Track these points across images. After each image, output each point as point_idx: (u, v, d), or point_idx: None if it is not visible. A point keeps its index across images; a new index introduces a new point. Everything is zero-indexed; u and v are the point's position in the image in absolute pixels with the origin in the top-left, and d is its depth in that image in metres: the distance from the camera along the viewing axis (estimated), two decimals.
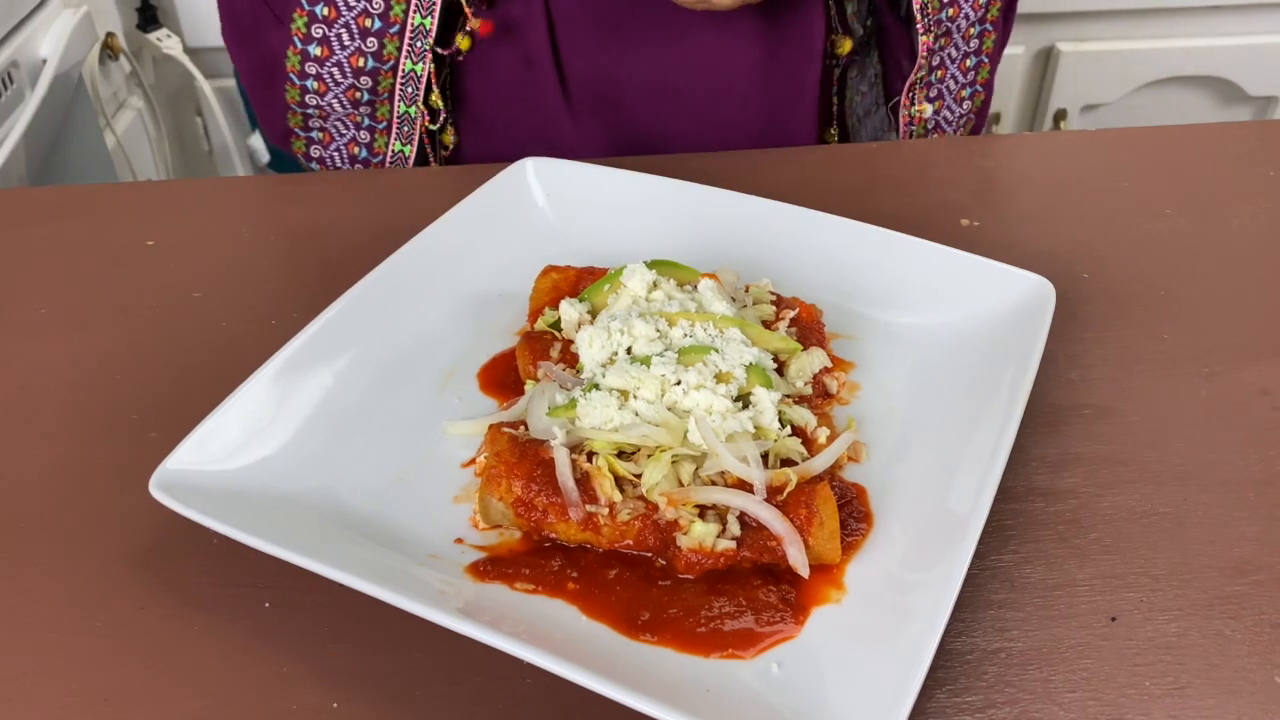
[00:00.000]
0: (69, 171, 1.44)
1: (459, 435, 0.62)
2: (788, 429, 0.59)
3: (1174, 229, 0.81)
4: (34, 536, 0.58)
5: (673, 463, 0.55)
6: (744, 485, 0.55)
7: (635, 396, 0.57)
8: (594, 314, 0.65)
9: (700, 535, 0.52)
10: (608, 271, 0.68)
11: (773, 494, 0.54)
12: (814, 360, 0.63)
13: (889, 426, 0.62)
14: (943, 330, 0.68)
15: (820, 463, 0.57)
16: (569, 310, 0.64)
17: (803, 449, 0.58)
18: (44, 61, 1.32)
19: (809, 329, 0.66)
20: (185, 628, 0.53)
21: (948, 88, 0.96)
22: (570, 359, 0.63)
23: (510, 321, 0.71)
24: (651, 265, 0.66)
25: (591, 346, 0.61)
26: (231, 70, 1.05)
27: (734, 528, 0.53)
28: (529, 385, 0.62)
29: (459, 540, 0.56)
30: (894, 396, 0.64)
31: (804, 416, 0.59)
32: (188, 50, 1.74)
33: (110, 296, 0.76)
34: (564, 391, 0.59)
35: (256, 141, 1.77)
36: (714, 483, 0.55)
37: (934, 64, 0.94)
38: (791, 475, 0.55)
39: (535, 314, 0.68)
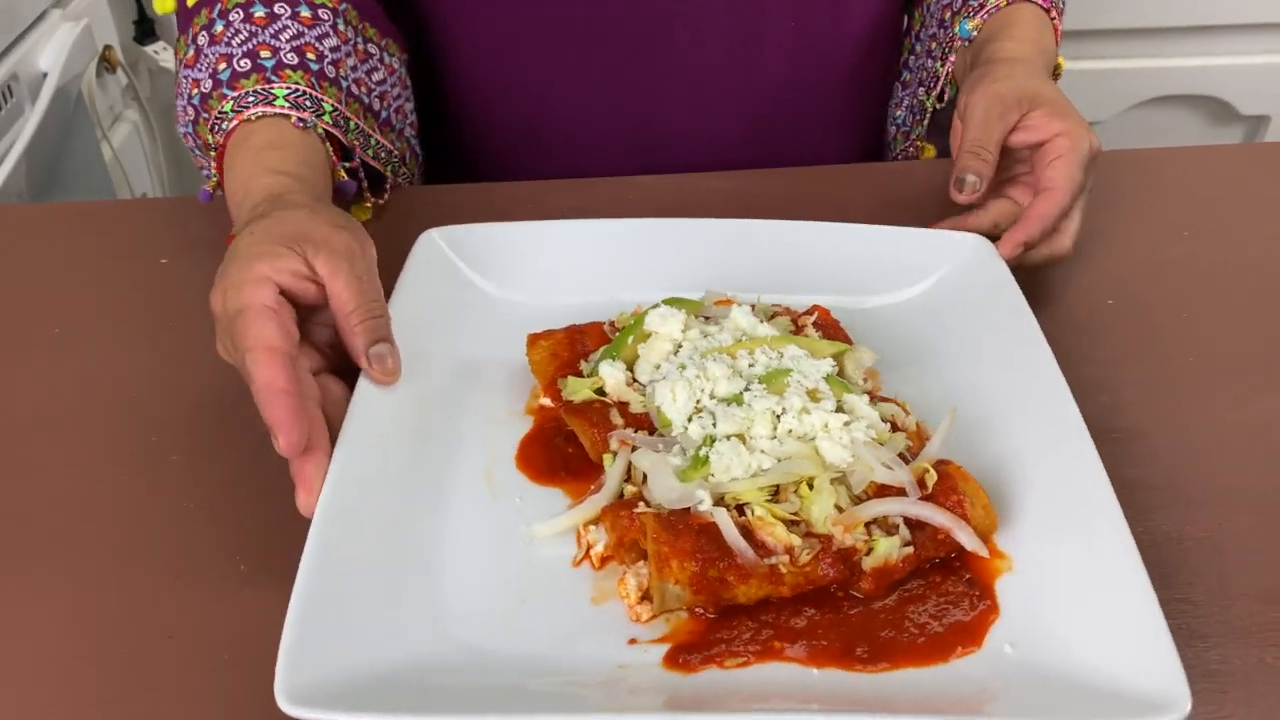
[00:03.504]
0: (67, 184, 1.42)
1: (552, 535, 0.57)
2: (887, 426, 0.59)
3: (1194, 252, 0.81)
4: (58, 563, 0.57)
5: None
6: (886, 491, 0.55)
7: (750, 436, 0.56)
8: (628, 367, 0.63)
9: (886, 551, 0.52)
10: (598, 324, 0.66)
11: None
12: (864, 356, 0.64)
13: (925, 403, 0.63)
14: (916, 305, 0.72)
15: (937, 446, 0.57)
16: (612, 372, 0.61)
17: (907, 440, 0.58)
18: (44, 75, 1.30)
19: (832, 329, 0.67)
20: (212, 655, 0.52)
21: None
22: (635, 421, 0.60)
23: (508, 401, 0.65)
24: (671, 303, 0.64)
25: (676, 401, 0.58)
26: None
27: (905, 533, 0.53)
28: (607, 460, 0.59)
29: (633, 641, 0.52)
30: (910, 376, 0.66)
31: (890, 409, 0.60)
32: None
33: (125, 315, 0.75)
34: (656, 453, 0.56)
35: None
36: (861, 498, 0.55)
37: None
38: (928, 467, 0.55)
39: (550, 388, 0.64)
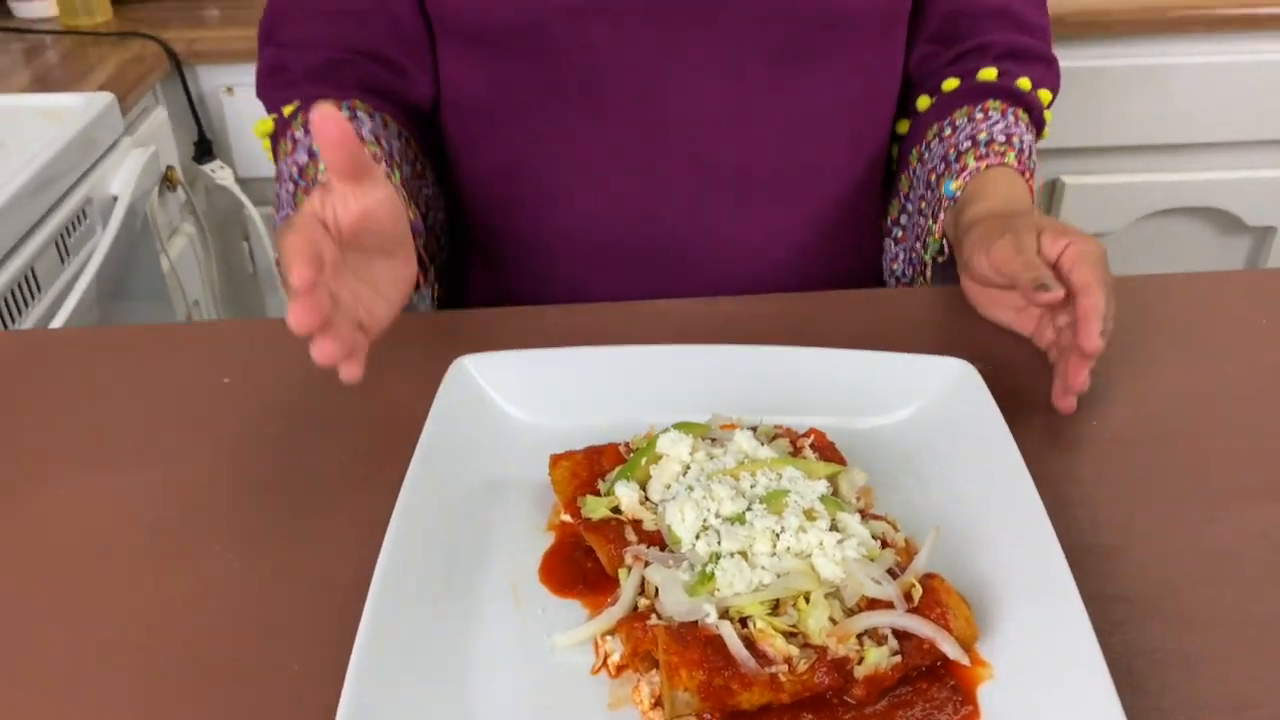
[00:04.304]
0: (127, 291, 1.53)
1: (573, 644, 0.61)
2: (878, 542, 0.64)
3: (1171, 374, 0.87)
4: (119, 661, 0.63)
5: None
6: (876, 604, 0.60)
7: (752, 553, 0.62)
8: (641, 487, 0.68)
9: (877, 660, 0.57)
10: (615, 446, 0.72)
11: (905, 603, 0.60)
12: (856, 476, 0.70)
13: (915, 519, 0.69)
14: (906, 426, 0.78)
15: (923, 561, 0.63)
16: (628, 493, 0.67)
17: (896, 556, 0.64)
18: (114, 199, 1.42)
19: (828, 450, 0.73)
20: None
21: None
22: (647, 537, 0.65)
23: (532, 520, 0.71)
24: (680, 428, 0.70)
25: (685, 520, 0.64)
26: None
27: (893, 643, 0.59)
28: (623, 574, 0.64)
29: None
30: (900, 493, 0.72)
31: (880, 527, 0.66)
32: (239, 180, 1.85)
33: (192, 430, 0.82)
34: (667, 569, 0.62)
35: None
36: (853, 610, 0.60)
37: None
38: (914, 582, 0.61)
39: (570, 506, 0.69)
